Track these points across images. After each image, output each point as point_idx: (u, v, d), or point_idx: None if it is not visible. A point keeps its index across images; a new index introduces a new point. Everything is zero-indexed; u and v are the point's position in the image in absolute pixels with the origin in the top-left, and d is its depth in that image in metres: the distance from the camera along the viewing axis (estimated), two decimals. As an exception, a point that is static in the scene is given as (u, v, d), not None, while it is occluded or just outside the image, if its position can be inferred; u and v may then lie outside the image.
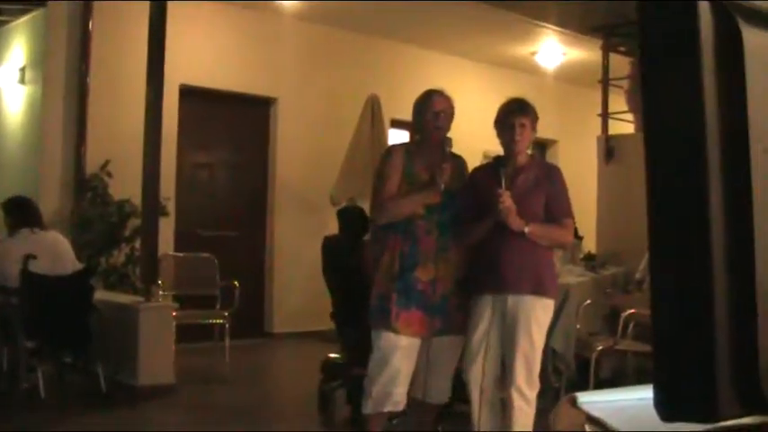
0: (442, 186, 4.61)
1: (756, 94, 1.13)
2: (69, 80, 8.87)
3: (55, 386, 6.97)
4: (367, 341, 4.89)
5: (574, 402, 1.73)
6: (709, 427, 1.32)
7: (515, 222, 4.50)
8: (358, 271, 5.61)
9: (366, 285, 5.06)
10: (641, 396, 1.65)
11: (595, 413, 1.62)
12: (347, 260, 5.95)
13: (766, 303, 1.11)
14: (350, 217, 6.51)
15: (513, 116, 4.67)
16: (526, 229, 4.52)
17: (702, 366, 1.11)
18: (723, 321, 1.10)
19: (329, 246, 6.34)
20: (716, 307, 1.09)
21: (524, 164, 4.73)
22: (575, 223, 5.00)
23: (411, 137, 5.36)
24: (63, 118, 8.85)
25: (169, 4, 7.39)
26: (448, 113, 4.84)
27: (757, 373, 1.09)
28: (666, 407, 1.18)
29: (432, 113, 4.78)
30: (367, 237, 5.88)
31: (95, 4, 8.86)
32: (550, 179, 4.73)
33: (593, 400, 1.73)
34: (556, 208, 4.67)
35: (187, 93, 9.64)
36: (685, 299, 1.13)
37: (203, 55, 9.87)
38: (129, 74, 8.63)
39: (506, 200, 4.47)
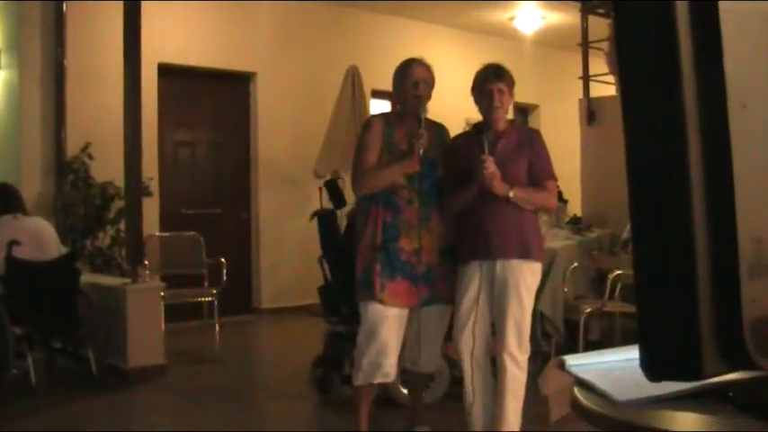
0: (421, 154, 4.60)
1: (733, 50, 1.12)
2: (46, 63, 8.79)
3: (45, 371, 6.96)
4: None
5: (562, 366, 1.73)
6: (695, 384, 1.33)
7: (500, 187, 4.49)
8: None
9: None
10: (628, 357, 1.65)
11: (583, 375, 1.63)
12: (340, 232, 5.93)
13: (748, 260, 1.11)
14: (337, 189, 6.48)
15: (489, 83, 4.65)
16: (510, 194, 4.51)
17: (686, 325, 1.11)
18: (705, 280, 1.10)
19: (323, 221, 6.29)
20: (698, 265, 1.10)
21: (504, 129, 4.71)
22: (558, 186, 4.99)
23: (393, 107, 5.34)
24: (41, 101, 8.78)
25: (143, -18, 7.32)
26: (428, 82, 4.81)
27: (740, 329, 1.09)
28: (652, 367, 1.18)
29: (411, 83, 4.76)
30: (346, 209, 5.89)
31: (68, -16, 8.78)
32: (531, 143, 4.72)
33: (581, 363, 1.73)
34: (538, 171, 4.66)
35: (165, 71, 9.58)
36: (667, 259, 1.13)
37: (180, 32, 9.79)
38: (107, 54, 8.56)
39: (490, 165, 4.46)
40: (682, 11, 1.11)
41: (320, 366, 6.51)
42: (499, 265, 4.57)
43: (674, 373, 1.19)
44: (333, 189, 6.49)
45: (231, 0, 10.11)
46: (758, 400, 1.32)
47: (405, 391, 5.71)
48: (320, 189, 7.16)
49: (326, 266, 6.38)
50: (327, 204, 6.68)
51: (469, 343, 4.59)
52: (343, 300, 5.89)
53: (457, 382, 5.48)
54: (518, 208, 4.57)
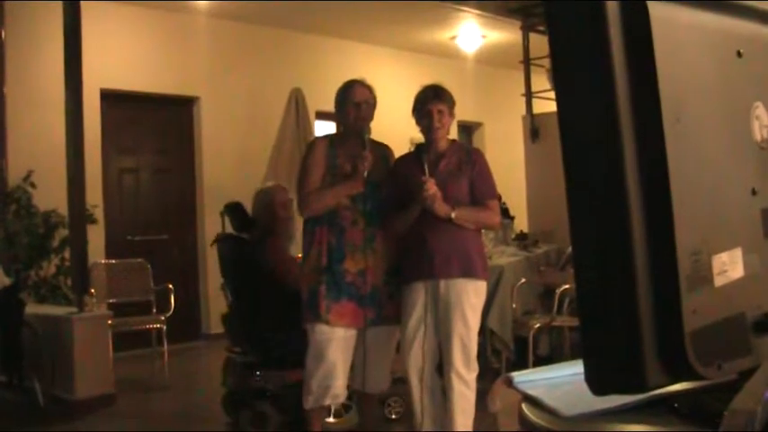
0: (365, 175, 4.61)
1: (666, 65, 1.14)
2: (-16, 91, 8.67)
3: (-10, 405, 6.83)
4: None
5: (509, 383, 1.74)
6: (641, 396, 1.34)
7: (441, 209, 4.51)
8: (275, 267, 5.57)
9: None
10: (575, 371, 1.66)
11: (531, 391, 1.64)
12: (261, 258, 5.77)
13: (687, 272, 1.13)
14: (241, 212, 6.31)
15: (429, 103, 4.67)
16: (453, 215, 4.53)
17: (628, 338, 1.12)
18: (646, 293, 1.11)
19: (224, 246, 6.18)
20: (638, 279, 1.11)
21: (446, 149, 4.73)
22: (502, 204, 5.02)
23: (337, 128, 5.34)
24: (-19, 130, 8.65)
25: (83, 7, 7.23)
26: (369, 103, 4.82)
27: (682, 340, 1.11)
28: (597, 381, 1.19)
29: (353, 104, 4.76)
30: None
31: (7, 9, 8.64)
32: (472, 162, 4.73)
33: (528, 379, 1.74)
34: (480, 190, 4.69)
35: (108, 97, 9.50)
36: (607, 273, 1.14)
37: (122, 58, 9.72)
38: (47, 81, 8.46)
39: (431, 187, 4.47)
40: (614, 21, 1.12)
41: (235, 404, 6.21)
42: (443, 284, 4.58)
43: (618, 387, 1.20)
44: (235, 213, 6.34)
45: (172, 25, 10.07)
46: (702, 408, 1.34)
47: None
48: (221, 213, 7.07)
49: (229, 294, 6.27)
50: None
51: (417, 363, 4.60)
52: (248, 328, 5.77)
53: (381, 402, 5.48)
54: (461, 227, 4.59)
